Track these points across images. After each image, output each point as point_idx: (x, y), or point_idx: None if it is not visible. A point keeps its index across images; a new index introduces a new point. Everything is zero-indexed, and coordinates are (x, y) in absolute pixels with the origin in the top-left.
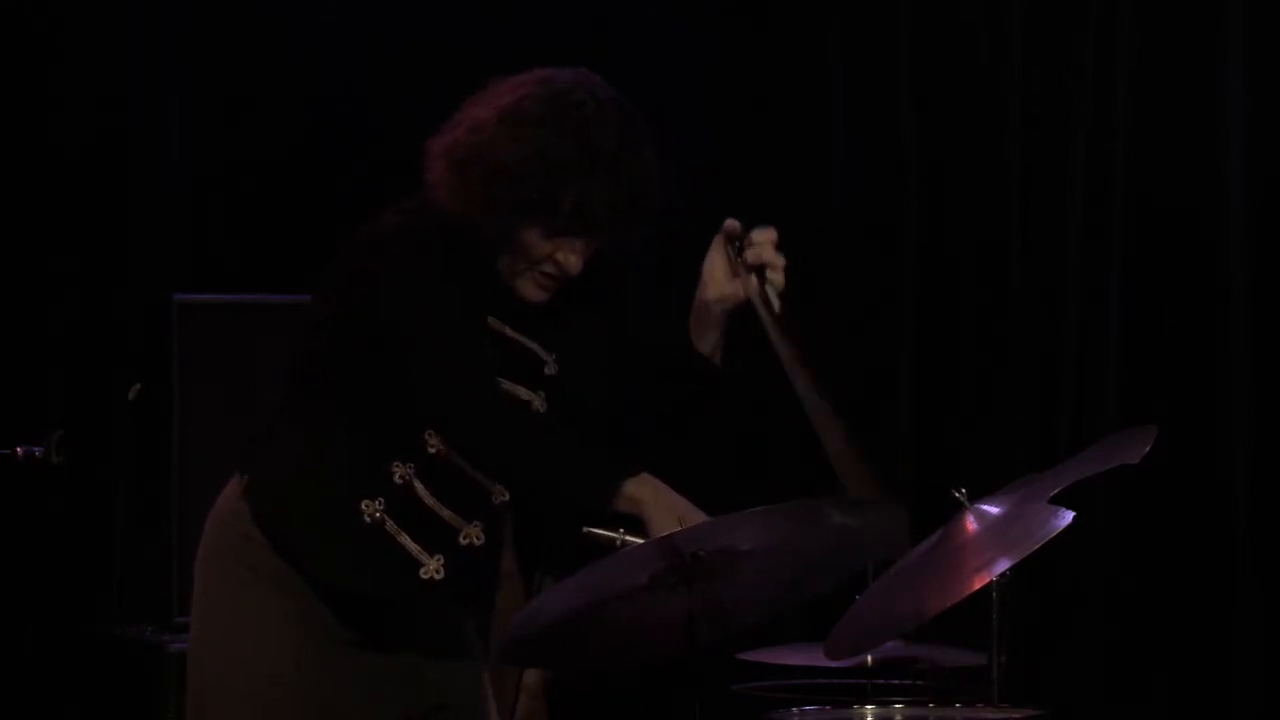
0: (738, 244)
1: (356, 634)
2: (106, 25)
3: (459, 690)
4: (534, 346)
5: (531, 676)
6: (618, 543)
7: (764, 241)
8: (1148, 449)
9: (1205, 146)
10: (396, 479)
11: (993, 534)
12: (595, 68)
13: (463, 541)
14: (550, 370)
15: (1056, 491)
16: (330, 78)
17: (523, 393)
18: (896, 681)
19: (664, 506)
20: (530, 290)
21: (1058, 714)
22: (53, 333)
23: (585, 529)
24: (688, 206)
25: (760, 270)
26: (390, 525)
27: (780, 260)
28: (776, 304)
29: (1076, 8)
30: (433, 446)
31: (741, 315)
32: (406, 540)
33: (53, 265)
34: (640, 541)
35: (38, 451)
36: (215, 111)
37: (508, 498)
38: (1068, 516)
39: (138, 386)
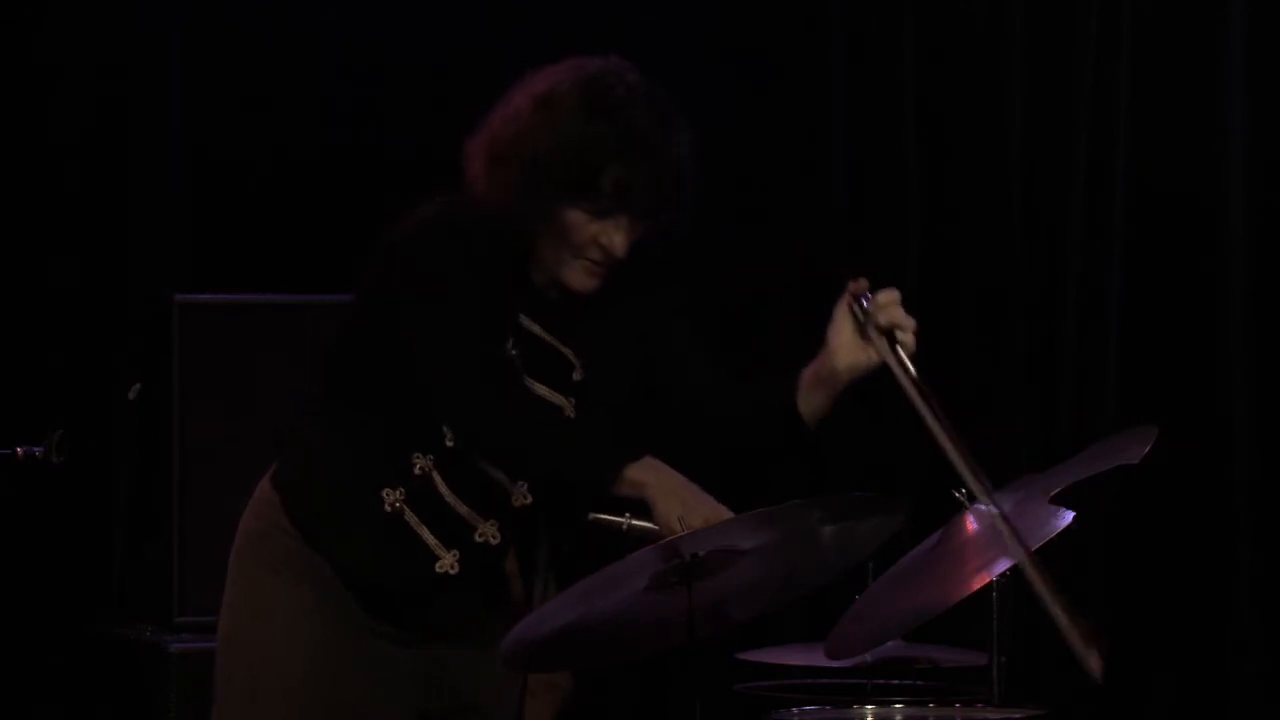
0: (864, 305)
1: (383, 626)
2: (107, 24)
3: (488, 689)
4: (565, 350)
5: (534, 677)
6: (624, 527)
7: (890, 303)
8: (1148, 449)
9: (1205, 147)
10: (417, 470)
11: (993, 534)
12: None
13: (478, 539)
14: (578, 376)
15: (1056, 491)
16: (331, 77)
17: (553, 396)
18: (896, 681)
19: (667, 489)
20: (579, 278)
21: (1058, 714)
22: (53, 333)
23: (591, 515)
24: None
25: (891, 333)
26: (410, 516)
27: (910, 321)
28: (911, 367)
29: (1079, 6)
30: (450, 439)
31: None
32: (425, 532)
33: (53, 265)
34: (646, 525)
35: (38, 451)
36: (215, 111)
37: (530, 501)
38: (1068, 516)
39: (138, 386)
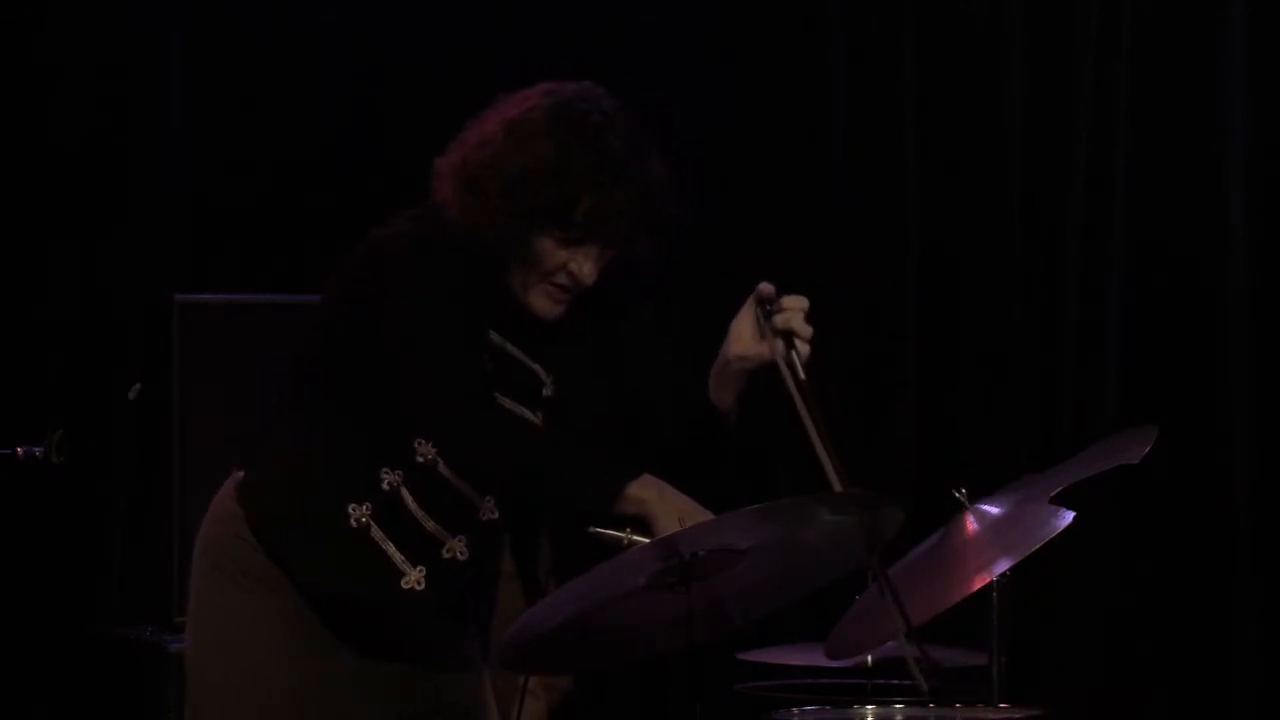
0: (768, 308)
1: (348, 638)
2: (107, 24)
3: (458, 695)
4: (534, 366)
5: (533, 678)
6: (625, 542)
7: (794, 309)
8: (1148, 449)
9: (1205, 147)
10: (385, 485)
11: (993, 534)
12: (592, 70)
13: (445, 555)
14: (548, 392)
15: (1056, 491)
16: (330, 78)
17: (521, 411)
18: (896, 681)
19: (668, 506)
20: (543, 304)
21: (1058, 714)
22: (53, 333)
23: (592, 529)
24: (688, 208)
25: (788, 336)
26: (375, 531)
27: (808, 330)
28: (801, 372)
29: (1079, 6)
30: (421, 455)
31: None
32: (390, 548)
33: (53, 266)
34: (648, 541)
35: (38, 451)
36: (215, 111)
37: (497, 515)
38: (1068, 516)
39: (138, 386)
